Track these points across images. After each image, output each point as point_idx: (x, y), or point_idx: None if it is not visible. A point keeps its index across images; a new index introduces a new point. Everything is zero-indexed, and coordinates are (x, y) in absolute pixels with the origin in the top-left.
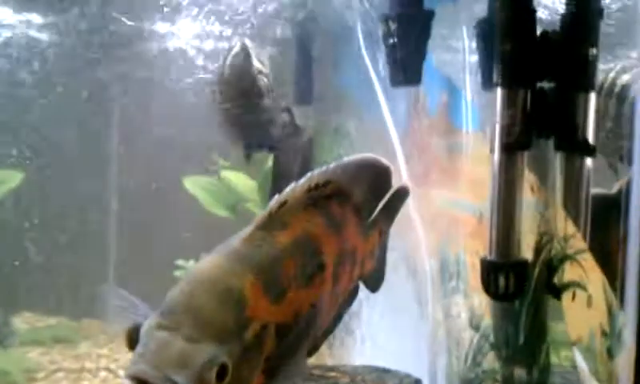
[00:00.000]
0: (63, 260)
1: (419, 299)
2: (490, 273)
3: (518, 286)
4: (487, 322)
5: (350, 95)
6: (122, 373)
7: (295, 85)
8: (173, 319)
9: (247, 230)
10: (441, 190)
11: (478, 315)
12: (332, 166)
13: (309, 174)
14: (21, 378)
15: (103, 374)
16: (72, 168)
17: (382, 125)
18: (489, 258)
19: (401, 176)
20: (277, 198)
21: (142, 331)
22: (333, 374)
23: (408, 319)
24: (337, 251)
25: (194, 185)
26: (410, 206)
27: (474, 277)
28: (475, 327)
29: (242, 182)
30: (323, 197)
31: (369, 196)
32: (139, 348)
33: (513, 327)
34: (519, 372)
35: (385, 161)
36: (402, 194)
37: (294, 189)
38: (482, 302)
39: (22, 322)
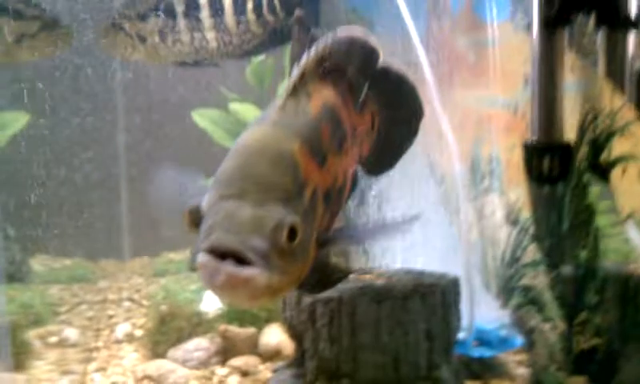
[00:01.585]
0: (76, 200)
1: (448, 205)
2: (534, 156)
3: (563, 169)
4: (526, 215)
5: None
6: (145, 302)
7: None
8: (235, 188)
9: (278, 102)
10: (469, 90)
11: (515, 210)
12: (328, 40)
13: (314, 47)
14: (45, 311)
15: (127, 303)
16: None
17: (402, 30)
18: (531, 141)
19: (427, 82)
20: (296, 70)
21: (205, 206)
22: (368, 276)
23: (437, 226)
24: (349, 123)
25: (203, 117)
26: (436, 111)
27: (510, 172)
28: (513, 222)
29: (251, 113)
30: (327, 70)
31: (359, 74)
32: (207, 222)
33: (556, 214)
34: (564, 262)
35: (372, 40)
36: (389, 75)
37: (307, 61)
38: (519, 196)
39: (37, 263)
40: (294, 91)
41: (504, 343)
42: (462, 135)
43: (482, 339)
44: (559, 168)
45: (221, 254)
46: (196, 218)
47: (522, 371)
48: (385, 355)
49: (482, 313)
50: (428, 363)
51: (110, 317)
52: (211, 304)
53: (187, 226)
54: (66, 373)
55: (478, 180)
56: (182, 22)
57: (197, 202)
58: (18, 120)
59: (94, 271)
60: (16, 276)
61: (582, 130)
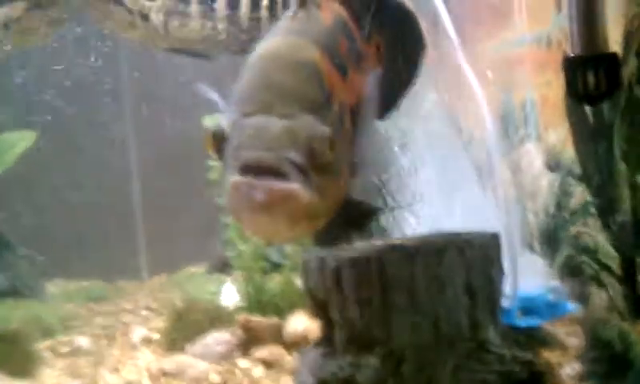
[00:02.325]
0: (91, 224)
1: (480, 167)
2: (576, 70)
3: (610, 83)
4: (569, 154)
5: None
6: (162, 310)
7: None
8: (259, 102)
9: (289, 13)
10: (495, 37)
11: (556, 153)
12: None
13: None
14: (56, 323)
15: (144, 312)
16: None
17: None
18: (572, 55)
19: (448, 37)
20: None
21: (229, 126)
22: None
23: (469, 190)
24: (361, 45)
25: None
26: (461, 67)
27: (547, 113)
28: (554, 167)
29: None
30: None
31: (362, 3)
32: (233, 143)
33: (605, 145)
34: (618, 200)
35: None
36: (391, 7)
37: None
38: (559, 137)
39: (53, 286)
40: (303, 2)
41: (553, 309)
42: (492, 87)
43: (528, 307)
44: (606, 82)
45: (253, 173)
46: (220, 142)
47: (575, 341)
48: (421, 316)
49: (527, 278)
50: (471, 323)
51: (126, 324)
52: (230, 298)
53: (210, 151)
54: (76, 376)
55: (511, 131)
56: (194, 7)
57: (217, 125)
58: (24, 139)
59: (111, 291)
60: (25, 294)
61: (628, 40)
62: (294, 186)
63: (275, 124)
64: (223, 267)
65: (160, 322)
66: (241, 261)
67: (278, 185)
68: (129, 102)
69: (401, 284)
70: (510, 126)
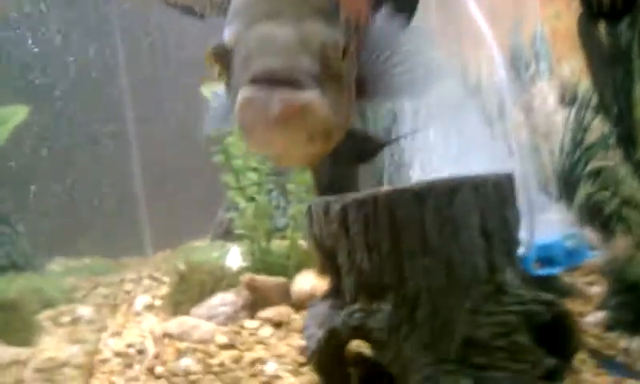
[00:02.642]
0: (92, 201)
1: (488, 114)
2: None
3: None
4: (585, 85)
5: None
6: (166, 279)
7: None
8: (265, 8)
9: None
10: None
11: (571, 85)
12: None
13: None
14: (57, 295)
15: (147, 282)
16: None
17: None
18: None
19: None
20: None
21: (231, 39)
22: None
23: (478, 138)
24: None
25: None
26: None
27: (559, 46)
28: (570, 101)
29: None
30: None
31: None
32: (240, 54)
33: (623, 70)
34: (638, 126)
35: None
36: None
37: None
38: (573, 69)
39: (54, 264)
40: None
41: (571, 257)
42: (497, 25)
43: (545, 256)
44: None
45: (265, 84)
46: (223, 56)
47: (596, 289)
48: (435, 259)
49: (544, 225)
50: (487, 265)
51: (128, 292)
52: (235, 260)
53: (214, 67)
54: (76, 342)
55: (522, 70)
56: None
57: (217, 41)
58: (18, 113)
59: (115, 267)
60: (25, 269)
61: None
62: (311, 95)
63: (285, 30)
64: (227, 234)
65: (164, 290)
66: (244, 220)
67: (294, 95)
68: (128, 79)
69: (411, 226)
70: (520, 64)
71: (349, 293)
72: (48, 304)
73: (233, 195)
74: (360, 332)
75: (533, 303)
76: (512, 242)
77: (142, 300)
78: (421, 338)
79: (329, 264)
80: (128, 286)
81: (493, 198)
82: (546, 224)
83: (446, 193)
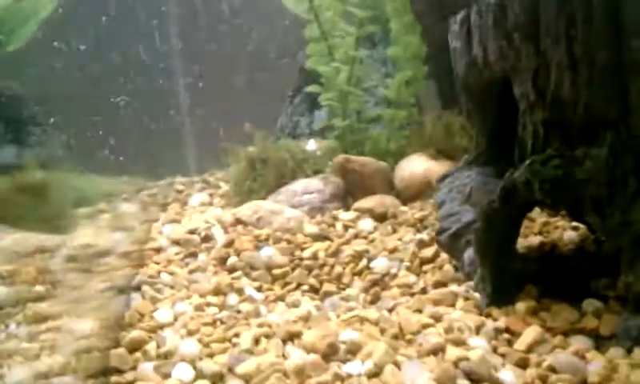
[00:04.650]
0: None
1: None
2: None
3: None
4: None
5: None
6: (223, 184)
7: None
8: None
9: None
10: None
11: None
12: None
13: None
14: (96, 195)
15: (199, 185)
16: None
17: None
18: None
19: None
20: None
21: None
22: None
23: None
24: None
25: None
26: None
27: None
28: None
29: None
30: None
31: None
32: None
33: None
34: None
35: None
36: None
37: None
38: None
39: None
40: None
41: None
42: None
43: None
44: None
45: None
46: None
47: None
48: None
49: None
50: None
51: (180, 191)
52: (312, 146)
53: None
54: (119, 229)
55: None
56: None
57: None
58: (45, 6)
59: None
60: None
61: None
62: None
63: None
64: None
65: (224, 189)
66: (331, 87)
67: None
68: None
69: None
70: None
71: (531, 137)
72: (85, 202)
73: (315, 61)
74: (562, 187)
75: None
76: None
77: (198, 197)
78: None
79: (481, 111)
80: (179, 187)
81: None
82: None
83: None
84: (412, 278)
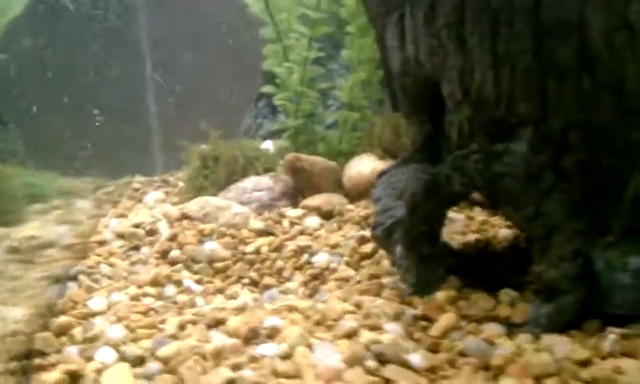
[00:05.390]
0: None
1: None
2: None
3: None
4: None
5: None
6: (182, 183)
7: None
8: None
9: None
10: None
11: None
12: None
13: None
14: (52, 192)
15: (159, 184)
16: None
17: None
18: None
19: None
20: None
21: None
22: None
23: None
24: None
25: None
26: None
27: None
28: None
29: None
30: None
31: None
32: None
33: None
34: None
35: None
36: None
37: None
38: None
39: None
40: None
41: None
42: None
43: None
44: None
45: None
46: None
47: None
48: (598, 80)
49: None
50: None
51: (136, 190)
52: (272, 145)
53: None
54: (66, 223)
55: None
56: None
57: None
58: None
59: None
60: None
61: None
62: None
63: None
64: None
65: (180, 187)
66: (286, 87)
67: None
68: None
69: (567, 30)
70: None
71: (457, 134)
72: (41, 198)
73: (271, 63)
74: (480, 181)
75: None
76: None
77: (153, 195)
78: (571, 193)
79: (417, 109)
80: (136, 185)
81: None
82: None
83: None
84: (350, 272)
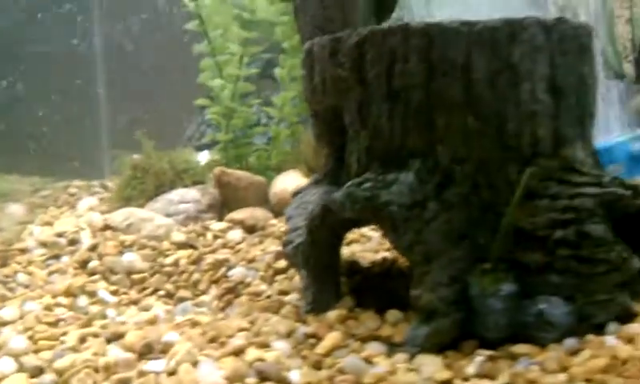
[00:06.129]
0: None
1: None
2: None
3: None
4: None
5: None
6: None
7: None
8: None
9: None
10: None
11: None
12: None
13: None
14: None
15: (98, 189)
16: None
17: None
18: None
19: None
20: None
21: None
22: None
23: None
24: None
25: None
26: None
27: None
28: None
29: None
30: None
31: None
32: None
33: None
34: None
35: None
36: None
37: None
38: None
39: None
40: None
41: (637, 163)
42: None
43: (606, 160)
44: None
45: None
46: None
47: None
48: (481, 117)
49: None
50: (553, 132)
51: (72, 195)
52: (204, 157)
53: None
54: None
55: None
56: None
57: None
58: None
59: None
60: None
61: None
62: None
63: None
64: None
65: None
66: (219, 103)
67: None
68: None
69: (453, 71)
70: None
71: (356, 162)
72: None
73: (205, 76)
74: (369, 208)
75: (614, 185)
76: (587, 107)
77: (86, 202)
78: (451, 222)
79: (327, 134)
80: (73, 190)
81: (569, 44)
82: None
83: (505, 30)
84: (263, 287)
